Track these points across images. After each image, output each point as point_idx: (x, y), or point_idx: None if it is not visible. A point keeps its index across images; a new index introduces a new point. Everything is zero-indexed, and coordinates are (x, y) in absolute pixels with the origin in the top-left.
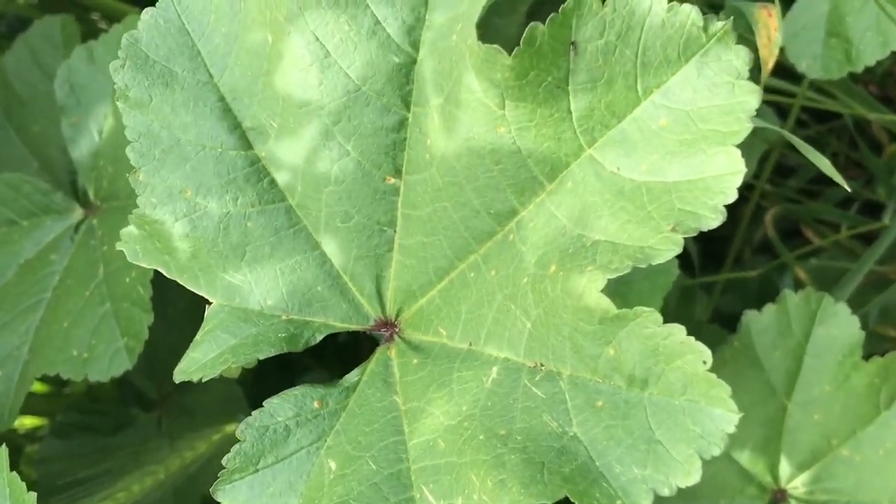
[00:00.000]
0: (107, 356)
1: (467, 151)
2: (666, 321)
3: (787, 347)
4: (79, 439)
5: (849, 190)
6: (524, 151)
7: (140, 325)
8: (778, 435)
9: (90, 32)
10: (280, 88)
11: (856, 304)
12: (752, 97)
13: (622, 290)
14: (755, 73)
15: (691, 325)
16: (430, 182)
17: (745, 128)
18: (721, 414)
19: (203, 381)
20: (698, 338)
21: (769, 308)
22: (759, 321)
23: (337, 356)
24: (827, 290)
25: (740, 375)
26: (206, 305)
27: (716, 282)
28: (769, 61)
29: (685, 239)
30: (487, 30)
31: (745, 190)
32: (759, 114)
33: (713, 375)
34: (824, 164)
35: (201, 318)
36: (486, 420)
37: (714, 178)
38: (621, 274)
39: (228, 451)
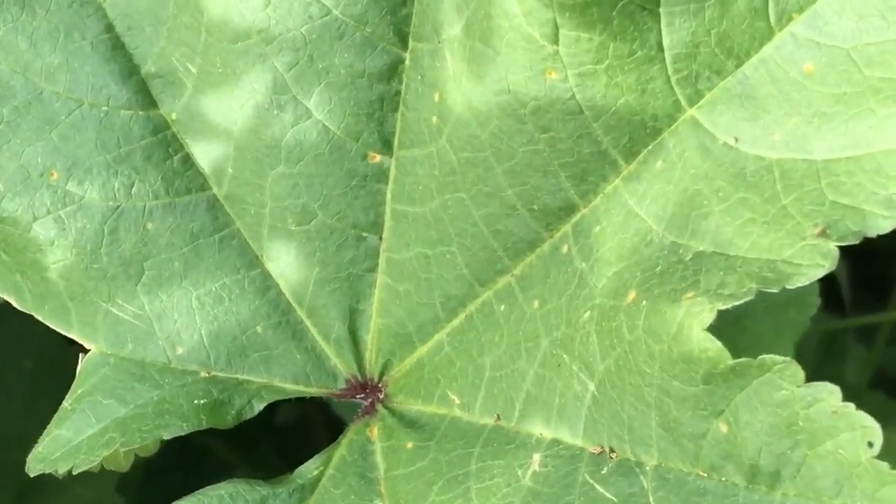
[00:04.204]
0: None
1: (499, 111)
2: None
3: None
4: None
5: None
6: (588, 111)
7: None
8: None
9: None
10: (204, 12)
11: None
12: None
13: (728, 332)
14: None
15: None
16: (439, 161)
17: None
18: None
19: (73, 472)
20: None
21: None
22: None
23: (275, 447)
24: None
25: None
26: (81, 355)
27: (877, 325)
28: None
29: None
30: None
31: None
32: None
33: (884, 466)
34: None
35: (65, 384)
36: None
37: (888, 155)
38: (739, 303)
39: None
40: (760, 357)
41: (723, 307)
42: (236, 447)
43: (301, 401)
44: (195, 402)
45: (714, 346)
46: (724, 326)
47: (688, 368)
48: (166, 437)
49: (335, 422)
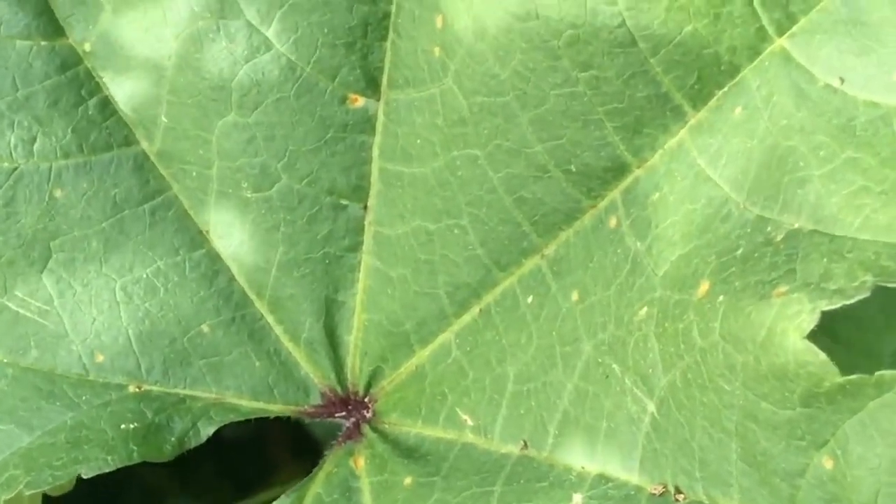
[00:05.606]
0: None
1: (524, 42)
2: None
3: None
4: None
5: None
6: (643, 43)
7: None
8: None
9: None
10: None
11: None
12: None
13: (825, 324)
14: None
15: None
16: (443, 106)
17: None
18: None
19: None
20: None
21: None
22: None
23: (223, 471)
24: None
25: None
26: None
27: None
28: None
29: None
30: None
31: None
32: None
33: None
34: None
35: None
36: None
37: None
38: (850, 302)
39: None
40: (878, 373)
41: (828, 307)
42: (172, 471)
43: None
44: (122, 426)
45: (817, 358)
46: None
47: (781, 386)
48: (86, 474)
49: (301, 439)
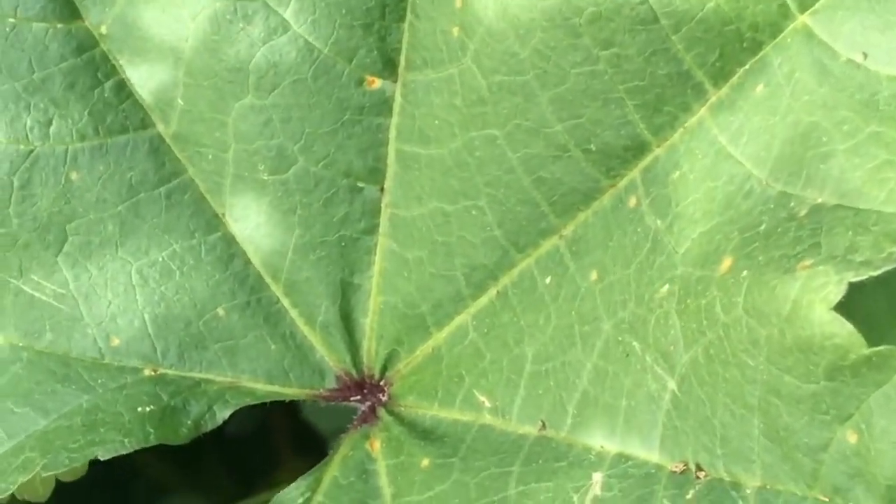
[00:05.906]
0: None
1: (545, 21)
2: None
3: None
4: None
5: None
6: (665, 20)
7: None
8: None
9: None
10: None
11: None
12: None
13: None
14: None
15: None
16: (462, 86)
17: None
18: None
19: None
20: None
21: None
22: None
23: (225, 463)
24: None
25: None
26: None
27: None
28: None
29: None
30: None
31: None
32: None
33: None
34: None
35: None
36: None
37: None
38: (877, 272)
39: None
40: None
41: (855, 279)
42: (174, 465)
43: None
44: (139, 409)
45: (843, 330)
46: None
47: (805, 360)
48: (102, 456)
49: (305, 433)
